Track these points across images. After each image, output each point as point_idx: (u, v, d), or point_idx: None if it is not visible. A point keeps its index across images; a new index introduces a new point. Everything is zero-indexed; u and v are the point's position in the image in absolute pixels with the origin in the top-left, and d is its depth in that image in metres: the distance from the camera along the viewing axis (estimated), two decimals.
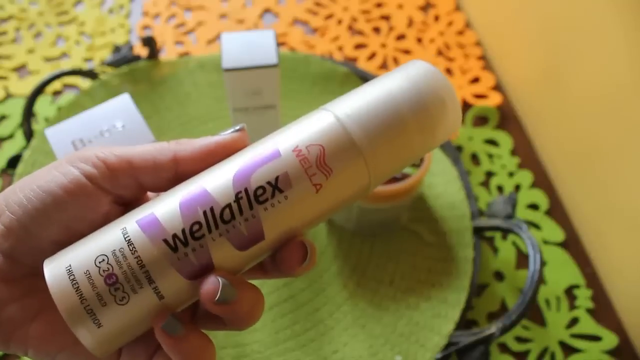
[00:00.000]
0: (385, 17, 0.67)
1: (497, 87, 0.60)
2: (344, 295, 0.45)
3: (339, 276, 0.46)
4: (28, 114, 0.53)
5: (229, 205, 0.21)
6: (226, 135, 0.23)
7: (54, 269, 0.20)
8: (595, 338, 0.45)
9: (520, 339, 0.45)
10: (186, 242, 0.21)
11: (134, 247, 0.20)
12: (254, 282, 0.23)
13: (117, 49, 0.59)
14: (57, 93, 0.58)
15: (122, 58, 0.58)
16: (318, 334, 0.44)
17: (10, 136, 0.55)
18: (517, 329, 0.45)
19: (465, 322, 0.45)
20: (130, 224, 0.21)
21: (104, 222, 0.22)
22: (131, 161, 0.22)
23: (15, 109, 0.57)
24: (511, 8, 0.59)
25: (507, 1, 0.59)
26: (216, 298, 0.20)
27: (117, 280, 0.20)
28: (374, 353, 0.43)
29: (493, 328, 0.40)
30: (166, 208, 0.21)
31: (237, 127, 0.24)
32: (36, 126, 0.55)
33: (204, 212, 0.21)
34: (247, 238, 0.21)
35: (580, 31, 0.47)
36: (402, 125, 0.23)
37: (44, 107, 0.57)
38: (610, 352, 0.44)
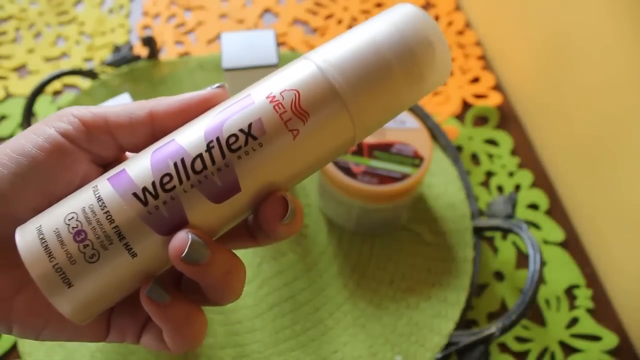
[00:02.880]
0: None
1: (497, 87, 0.60)
2: (344, 295, 0.45)
3: (339, 276, 0.46)
4: (28, 114, 0.53)
5: (200, 155, 0.20)
6: (205, 90, 0.22)
7: (25, 231, 0.20)
8: (595, 338, 0.45)
9: (520, 339, 0.45)
10: (156, 195, 0.20)
11: (104, 202, 0.20)
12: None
13: (117, 49, 0.59)
14: (57, 93, 0.58)
15: (122, 58, 0.58)
16: (318, 333, 0.44)
17: (11, 136, 0.55)
18: (517, 328, 0.45)
19: (465, 322, 0.45)
20: (101, 182, 0.20)
21: (82, 184, 0.22)
22: (107, 118, 0.22)
23: (15, 109, 0.57)
24: (511, 8, 0.59)
25: (507, 1, 0.59)
26: (183, 254, 0.19)
27: (87, 237, 0.19)
28: (374, 353, 0.43)
29: (493, 328, 0.40)
30: (137, 163, 0.21)
31: (218, 85, 0.23)
32: None
33: (175, 164, 0.20)
34: (222, 189, 0.20)
35: (581, 31, 0.47)
36: (386, 70, 0.21)
37: (44, 107, 0.57)
38: (610, 352, 0.44)
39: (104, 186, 0.20)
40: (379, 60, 0.21)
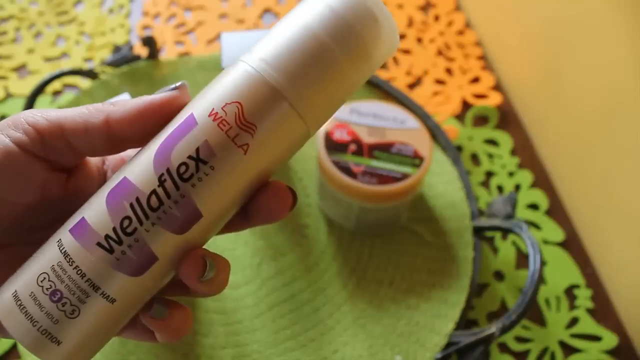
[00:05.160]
0: None
1: (497, 87, 0.60)
2: (344, 295, 0.45)
3: (339, 276, 0.46)
4: None
5: (154, 192, 0.20)
6: (161, 94, 0.22)
7: (3, 299, 0.20)
8: (595, 338, 0.45)
9: (520, 339, 0.45)
10: (120, 241, 0.20)
11: (71, 257, 0.20)
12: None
13: (117, 49, 0.59)
14: (57, 93, 0.58)
15: (122, 58, 0.58)
16: (318, 334, 0.44)
17: None
18: (517, 328, 0.45)
19: (465, 322, 0.45)
20: (64, 235, 0.20)
21: (43, 193, 0.22)
22: (62, 125, 0.21)
23: (15, 109, 0.57)
24: (511, 8, 0.58)
25: (507, 1, 0.59)
26: (199, 276, 0.21)
27: (63, 295, 0.20)
28: (374, 353, 0.43)
29: (493, 328, 0.40)
30: (94, 208, 0.20)
31: (174, 86, 0.22)
32: None
33: (131, 205, 0.20)
34: (183, 220, 0.20)
35: (581, 31, 0.47)
36: (327, 56, 0.20)
37: (44, 107, 0.57)
38: (610, 352, 0.44)
39: (67, 240, 0.20)
40: (317, 47, 0.20)
